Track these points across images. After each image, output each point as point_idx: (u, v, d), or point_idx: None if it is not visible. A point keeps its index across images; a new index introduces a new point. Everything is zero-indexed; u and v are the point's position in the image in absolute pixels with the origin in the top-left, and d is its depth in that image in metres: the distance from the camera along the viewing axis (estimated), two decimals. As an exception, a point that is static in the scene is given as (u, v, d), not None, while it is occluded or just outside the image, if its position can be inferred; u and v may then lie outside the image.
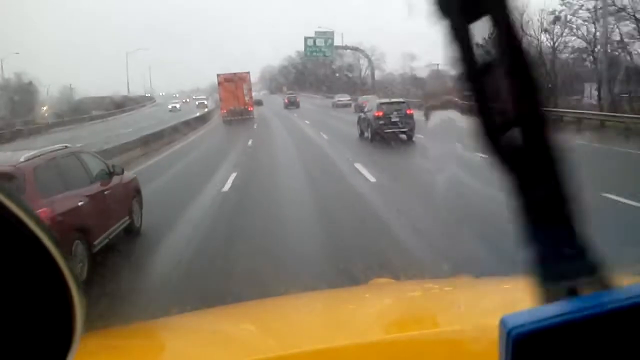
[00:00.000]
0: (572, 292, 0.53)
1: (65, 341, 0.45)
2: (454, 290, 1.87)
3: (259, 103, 64.14)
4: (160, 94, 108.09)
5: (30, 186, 5.28)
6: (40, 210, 5.02)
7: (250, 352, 1.17)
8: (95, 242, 5.98)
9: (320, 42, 56.03)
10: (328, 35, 57.32)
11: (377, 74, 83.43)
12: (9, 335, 0.43)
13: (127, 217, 7.17)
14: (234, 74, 39.33)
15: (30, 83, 56.18)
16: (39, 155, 5.81)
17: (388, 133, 18.17)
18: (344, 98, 46.26)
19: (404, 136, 18.53)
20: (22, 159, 5.56)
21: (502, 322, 0.50)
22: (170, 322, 1.82)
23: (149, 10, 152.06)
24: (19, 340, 0.43)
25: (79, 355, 0.45)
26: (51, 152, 6.17)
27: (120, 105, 64.24)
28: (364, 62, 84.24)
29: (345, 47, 64.06)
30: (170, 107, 60.57)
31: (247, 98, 38.19)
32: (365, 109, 20.80)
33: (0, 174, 5.27)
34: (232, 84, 37.83)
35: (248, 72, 40.18)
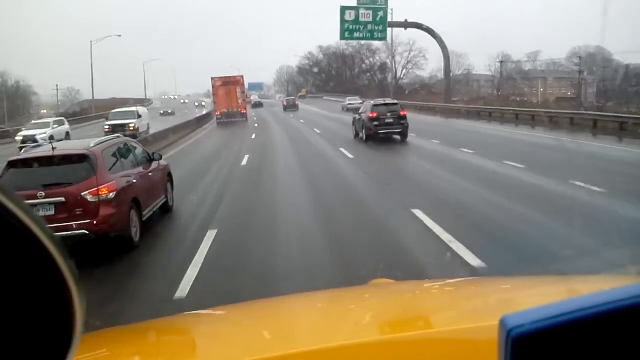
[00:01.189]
0: None
1: (65, 341, 0.45)
2: (454, 290, 1.87)
3: (258, 105, 64.22)
4: (172, 96, 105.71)
5: (101, 165, 6.50)
6: (109, 183, 6.40)
7: (250, 352, 1.17)
8: (144, 213, 7.31)
9: (366, 17, 36.15)
10: (380, 5, 36.25)
11: (411, 74, 73.32)
12: (9, 335, 0.42)
13: (163, 197, 8.59)
14: (228, 77, 40.43)
15: (18, 83, 55.18)
16: (103, 142, 7.13)
17: (382, 134, 18.44)
18: (355, 101, 44.34)
19: (398, 137, 18.90)
20: (92, 145, 6.78)
21: (502, 322, 0.50)
22: (170, 322, 1.82)
23: (152, 10, 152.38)
24: (19, 340, 0.43)
25: (79, 356, 0.45)
26: (110, 140, 7.54)
27: (85, 113, 54.01)
28: (400, 60, 72.45)
29: (404, 24, 40.90)
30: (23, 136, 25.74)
31: (240, 101, 39.01)
32: (360, 111, 20.94)
33: (78, 156, 6.52)
34: (226, 87, 38.73)
35: (242, 76, 41.29)
